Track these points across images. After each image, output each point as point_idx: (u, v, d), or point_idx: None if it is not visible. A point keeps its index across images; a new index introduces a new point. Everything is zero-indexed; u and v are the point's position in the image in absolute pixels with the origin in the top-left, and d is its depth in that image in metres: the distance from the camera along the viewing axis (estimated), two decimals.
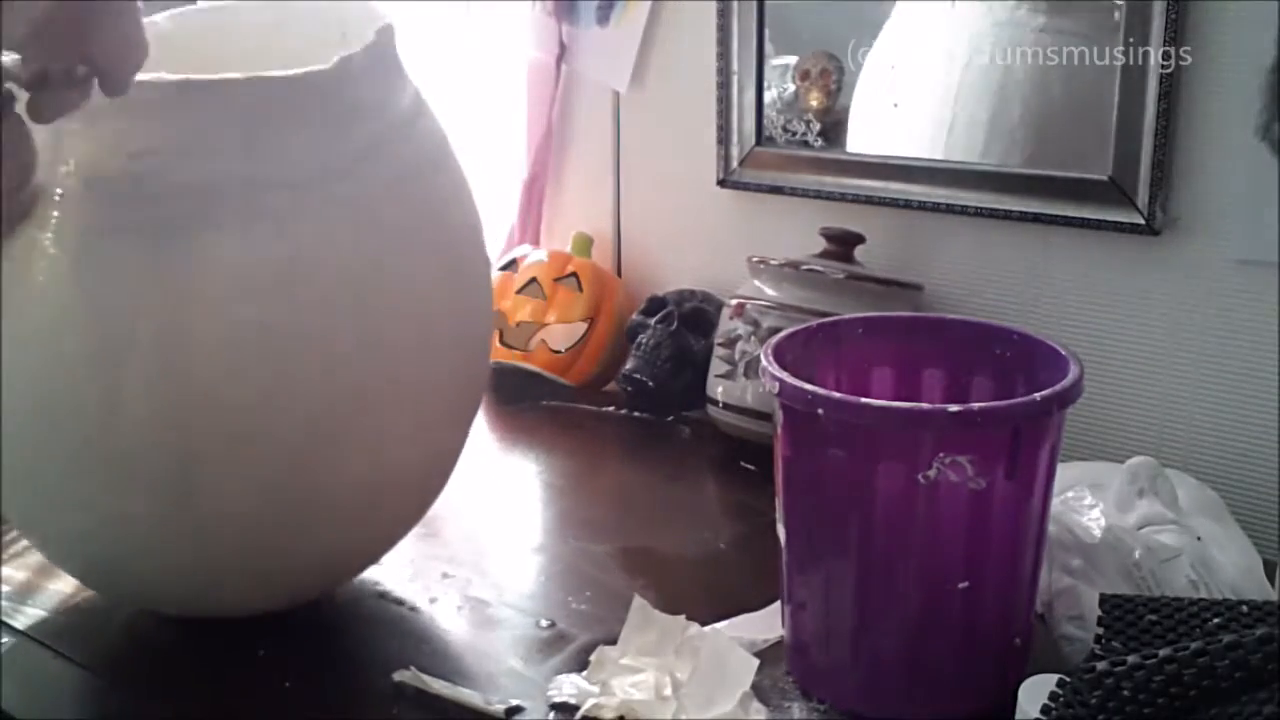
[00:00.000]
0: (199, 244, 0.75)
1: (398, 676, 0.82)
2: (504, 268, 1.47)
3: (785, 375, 0.77)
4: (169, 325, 0.75)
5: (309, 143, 0.79)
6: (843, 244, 1.23)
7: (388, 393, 0.82)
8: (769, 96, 1.32)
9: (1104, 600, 0.72)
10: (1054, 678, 0.67)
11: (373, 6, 0.89)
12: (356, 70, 0.80)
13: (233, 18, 0.96)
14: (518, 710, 0.80)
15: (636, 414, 1.34)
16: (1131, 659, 0.62)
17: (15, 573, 0.95)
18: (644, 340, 1.33)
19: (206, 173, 0.76)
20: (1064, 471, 0.85)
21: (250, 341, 0.77)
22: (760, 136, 1.34)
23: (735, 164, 1.36)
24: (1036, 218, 1.15)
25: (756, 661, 0.80)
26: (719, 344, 1.24)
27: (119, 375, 0.75)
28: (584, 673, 0.83)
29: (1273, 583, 0.86)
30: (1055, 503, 0.82)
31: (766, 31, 1.30)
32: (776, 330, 0.99)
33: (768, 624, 0.87)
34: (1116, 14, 1.07)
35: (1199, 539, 0.85)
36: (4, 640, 0.89)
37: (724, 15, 1.32)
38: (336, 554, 0.89)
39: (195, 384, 0.76)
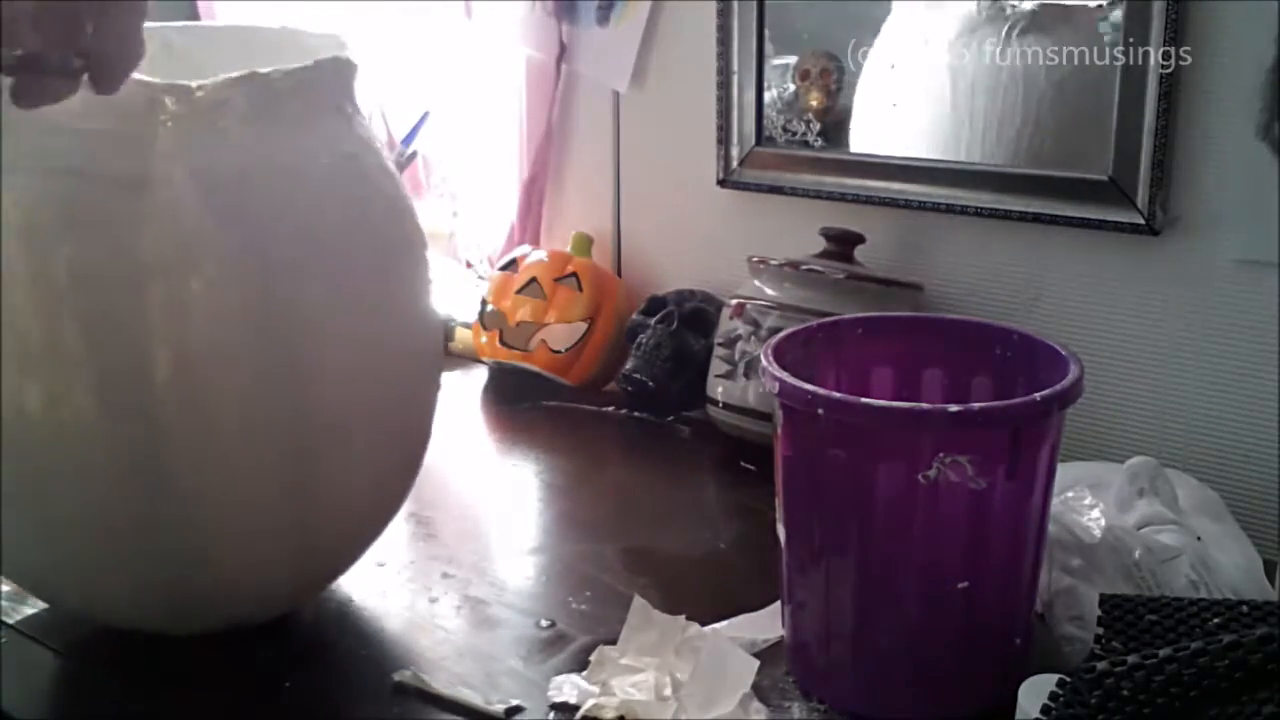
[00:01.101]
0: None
1: (398, 676, 0.83)
2: (504, 268, 1.47)
3: (785, 375, 0.77)
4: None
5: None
6: (843, 244, 1.23)
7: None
8: (769, 96, 1.32)
9: (1104, 600, 0.72)
10: (1054, 678, 0.67)
11: (339, 38, 0.88)
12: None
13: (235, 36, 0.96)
14: (518, 710, 0.80)
15: (636, 414, 1.34)
16: (1131, 659, 0.62)
17: None
18: (644, 340, 1.33)
19: None
20: (1064, 471, 0.85)
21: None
22: (760, 136, 1.34)
23: (735, 164, 1.36)
24: (1037, 218, 1.15)
25: (756, 662, 0.80)
26: (719, 344, 1.24)
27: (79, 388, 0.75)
28: (584, 673, 0.83)
29: (1273, 583, 0.86)
30: (1055, 503, 0.82)
31: (766, 31, 1.30)
32: (776, 330, 0.99)
33: (768, 624, 0.87)
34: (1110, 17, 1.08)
35: (1199, 539, 0.85)
36: (3, 639, 0.89)
37: (724, 15, 1.32)
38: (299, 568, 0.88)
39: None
